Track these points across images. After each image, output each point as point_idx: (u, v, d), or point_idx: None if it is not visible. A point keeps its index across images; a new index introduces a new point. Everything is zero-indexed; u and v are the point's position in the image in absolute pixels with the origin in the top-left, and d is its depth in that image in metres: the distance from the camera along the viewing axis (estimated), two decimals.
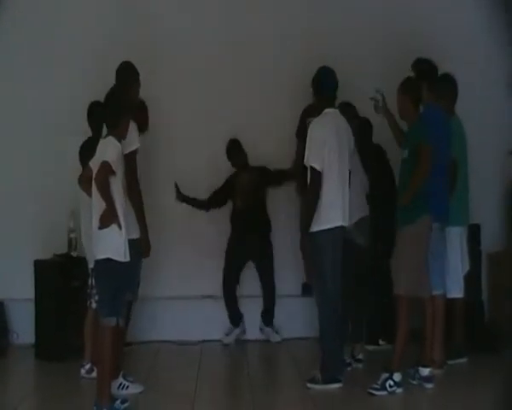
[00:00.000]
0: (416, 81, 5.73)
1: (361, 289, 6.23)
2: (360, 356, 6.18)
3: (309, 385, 5.63)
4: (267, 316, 7.06)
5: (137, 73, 5.72)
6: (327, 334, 5.61)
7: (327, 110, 5.65)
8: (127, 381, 5.58)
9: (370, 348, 6.59)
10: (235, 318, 7.06)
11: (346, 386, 5.60)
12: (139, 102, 6.26)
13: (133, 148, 5.43)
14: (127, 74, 5.67)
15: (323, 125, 5.61)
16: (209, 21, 7.26)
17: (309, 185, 5.55)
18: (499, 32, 7.16)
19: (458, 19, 7.23)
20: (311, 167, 5.51)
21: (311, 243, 5.52)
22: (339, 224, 5.55)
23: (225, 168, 7.11)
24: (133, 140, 5.40)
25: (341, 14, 7.25)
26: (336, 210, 5.53)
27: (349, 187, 5.62)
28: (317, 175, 5.48)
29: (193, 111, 7.19)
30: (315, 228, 5.51)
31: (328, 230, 5.51)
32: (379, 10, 7.27)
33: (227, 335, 7.02)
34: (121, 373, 5.54)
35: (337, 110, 5.72)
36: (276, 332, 7.03)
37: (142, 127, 6.17)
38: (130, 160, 5.32)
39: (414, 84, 5.65)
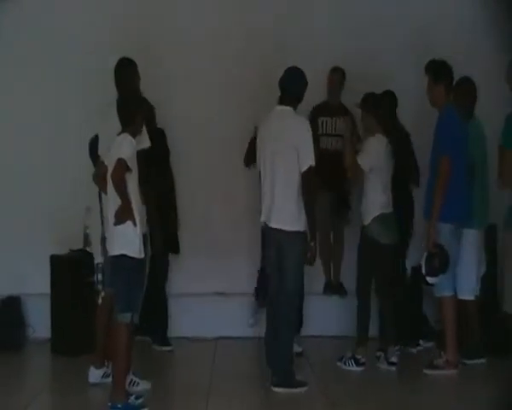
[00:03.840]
0: (447, 66, 5.71)
1: (393, 289, 6.21)
2: (393, 359, 6.05)
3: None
4: None
5: (135, 65, 5.73)
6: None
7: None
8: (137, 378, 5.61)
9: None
10: None
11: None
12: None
13: (143, 146, 5.41)
14: (126, 70, 5.69)
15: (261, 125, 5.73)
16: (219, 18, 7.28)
17: None
18: (502, 31, 7.10)
19: (460, 16, 7.22)
20: None
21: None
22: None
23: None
24: (144, 138, 5.40)
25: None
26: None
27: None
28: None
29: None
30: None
31: None
32: (378, 10, 7.27)
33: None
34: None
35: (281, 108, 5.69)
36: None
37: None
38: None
39: (447, 71, 5.62)
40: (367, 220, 6.00)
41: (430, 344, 6.52)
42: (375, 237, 5.98)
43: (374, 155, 5.95)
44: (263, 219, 5.65)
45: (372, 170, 5.93)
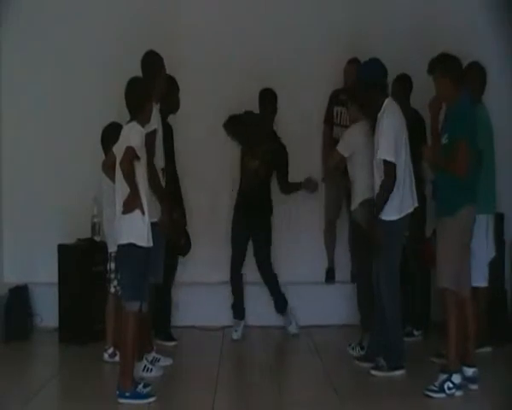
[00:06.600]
0: (454, 59, 5.63)
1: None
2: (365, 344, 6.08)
3: (373, 372, 5.63)
4: (276, 303, 6.88)
5: (161, 59, 5.73)
6: (394, 320, 5.62)
7: (386, 101, 5.68)
8: (151, 364, 5.63)
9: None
10: (241, 309, 6.83)
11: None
12: (168, 78, 6.25)
13: (151, 128, 5.39)
14: (153, 63, 5.68)
15: (391, 117, 5.64)
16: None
17: (385, 178, 5.57)
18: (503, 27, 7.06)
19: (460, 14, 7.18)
20: (385, 160, 5.55)
21: (383, 231, 5.56)
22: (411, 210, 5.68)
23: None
24: (152, 121, 5.36)
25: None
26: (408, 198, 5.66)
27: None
28: (393, 167, 5.54)
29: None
30: (393, 217, 5.56)
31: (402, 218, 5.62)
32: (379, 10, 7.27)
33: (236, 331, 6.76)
34: (145, 356, 5.60)
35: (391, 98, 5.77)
36: (295, 323, 6.80)
37: (173, 106, 6.24)
38: (148, 140, 5.25)
39: (453, 64, 5.56)
40: (354, 205, 6.04)
41: None
42: (360, 223, 5.95)
43: (351, 141, 6.03)
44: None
45: (353, 155, 5.99)
